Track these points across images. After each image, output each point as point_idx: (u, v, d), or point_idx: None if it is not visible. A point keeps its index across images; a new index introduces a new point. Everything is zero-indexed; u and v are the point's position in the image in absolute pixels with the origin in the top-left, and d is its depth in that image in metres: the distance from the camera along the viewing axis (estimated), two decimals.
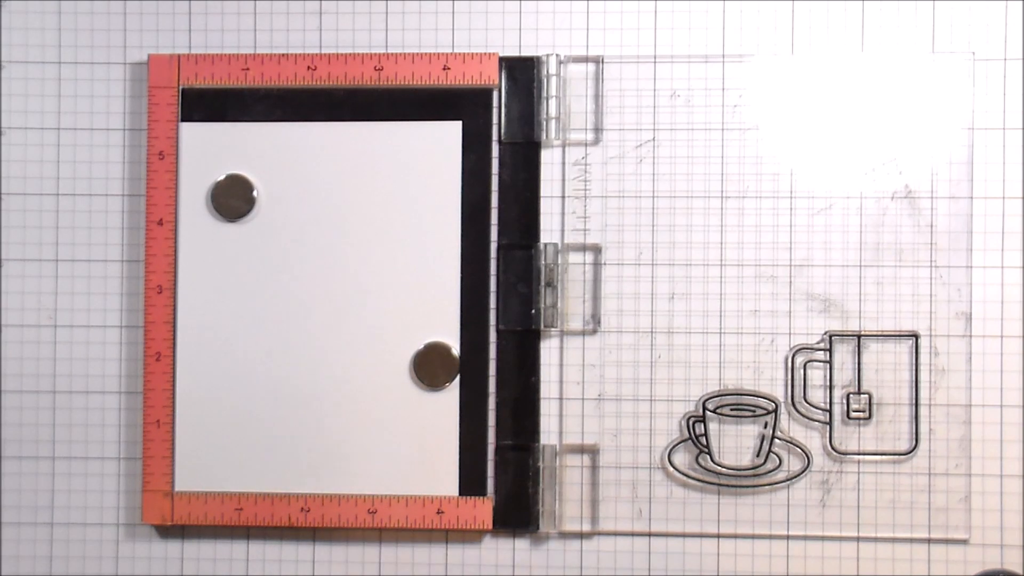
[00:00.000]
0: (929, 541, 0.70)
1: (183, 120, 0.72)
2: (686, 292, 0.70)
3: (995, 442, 0.69)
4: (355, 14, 0.72)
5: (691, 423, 0.70)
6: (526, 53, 0.71)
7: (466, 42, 0.72)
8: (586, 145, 0.71)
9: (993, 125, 0.70)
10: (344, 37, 0.72)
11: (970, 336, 0.69)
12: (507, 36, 0.72)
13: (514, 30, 0.72)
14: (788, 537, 0.70)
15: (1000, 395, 0.70)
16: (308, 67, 0.71)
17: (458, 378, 0.71)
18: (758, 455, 0.70)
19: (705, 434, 0.70)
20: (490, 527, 0.71)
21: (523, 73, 0.71)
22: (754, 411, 0.70)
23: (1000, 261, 0.70)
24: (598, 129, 0.71)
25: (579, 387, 0.71)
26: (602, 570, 0.71)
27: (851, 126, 0.70)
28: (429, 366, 0.71)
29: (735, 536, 0.70)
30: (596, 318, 0.71)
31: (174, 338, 0.72)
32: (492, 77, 0.70)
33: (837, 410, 0.70)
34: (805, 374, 0.70)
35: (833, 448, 0.70)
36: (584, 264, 0.71)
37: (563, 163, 0.71)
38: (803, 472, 0.70)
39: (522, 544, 0.72)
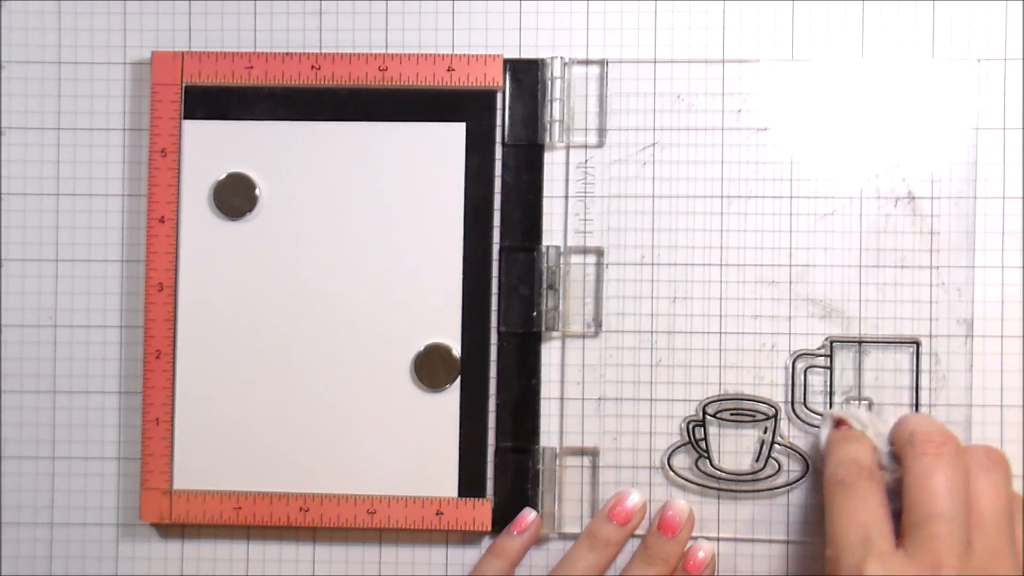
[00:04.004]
0: None
1: (186, 117, 0.72)
2: (687, 295, 0.70)
3: (995, 442, 0.69)
4: (355, 14, 0.72)
5: (691, 427, 0.70)
6: (526, 53, 0.71)
7: (466, 42, 0.72)
8: (586, 147, 0.71)
9: (993, 125, 0.70)
10: (344, 37, 0.72)
11: (971, 336, 0.69)
12: (507, 36, 0.72)
13: (514, 30, 0.72)
14: (788, 542, 0.70)
15: (1000, 395, 0.70)
16: (312, 66, 0.71)
17: (458, 379, 0.71)
18: (757, 460, 0.70)
19: (705, 438, 0.70)
20: (489, 529, 0.71)
21: (527, 75, 0.70)
22: (754, 416, 0.70)
23: (1000, 261, 0.70)
24: (602, 131, 0.71)
25: (579, 389, 0.71)
26: None
27: (855, 130, 0.70)
28: (430, 367, 0.71)
29: (735, 539, 0.70)
30: (598, 321, 0.71)
31: (174, 336, 0.72)
32: (496, 79, 0.70)
33: None
34: (806, 379, 0.70)
35: None
36: (586, 266, 0.71)
37: (566, 165, 0.71)
38: (803, 477, 0.70)
39: None
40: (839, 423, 0.67)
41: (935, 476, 0.61)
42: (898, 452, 0.64)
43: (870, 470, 0.63)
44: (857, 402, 0.70)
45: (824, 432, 0.68)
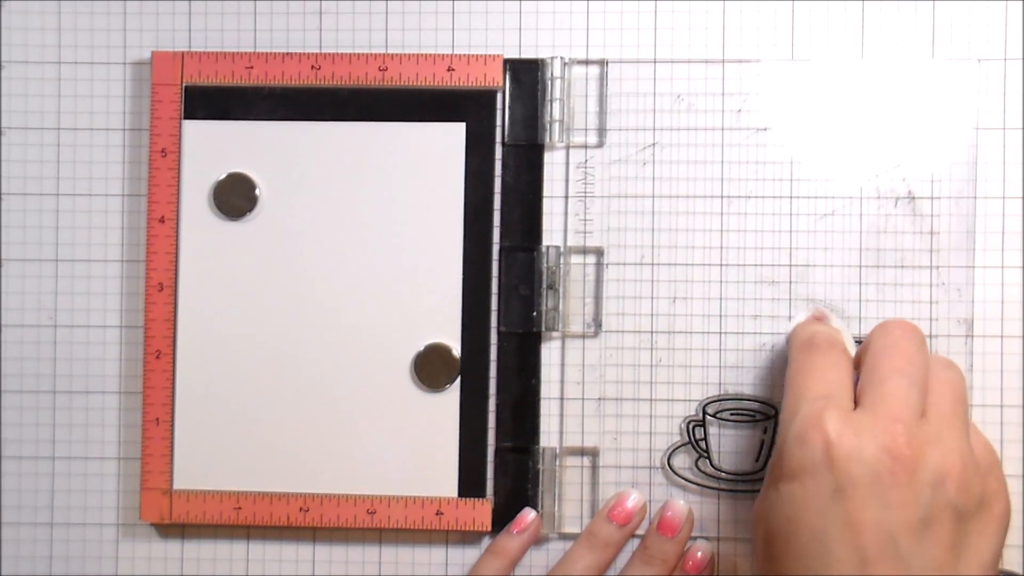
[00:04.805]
0: None
1: (186, 118, 0.72)
2: (687, 295, 0.70)
3: (995, 442, 0.69)
4: (355, 14, 0.72)
5: (691, 427, 0.70)
6: (526, 54, 0.71)
7: (466, 42, 0.72)
8: (586, 147, 0.71)
9: (993, 125, 0.70)
10: (344, 37, 0.72)
11: (971, 336, 0.69)
12: (507, 36, 0.72)
13: (514, 30, 0.72)
14: None
15: (1000, 395, 0.70)
16: (312, 66, 0.71)
17: (459, 379, 0.71)
18: (757, 460, 0.70)
19: (705, 438, 0.70)
20: (489, 529, 0.71)
21: (527, 75, 0.70)
22: (754, 416, 0.70)
23: (1000, 261, 0.70)
24: (602, 131, 0.71)
25: (579, 389, 0.71)
26: None
27: (855, 130, 0.70)
28: (430, 367, 0.71)
29: (735, 539, 0.70)
30: (598, 321, 0.71)
31: (174, 336, 0.72)
32: (496, 79, 0.70)
33: None
34: None
35: None
36: (586, 266, 0.71)
37: (566, 165, 0.71)
38: None
39: None
40: (816, 319, 0.68)
41: (898, 346, 0.61)
42: (863, 349, 0.64)
43: (844, 347, 0.64)
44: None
45: (799, 318, 0.69)
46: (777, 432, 0.62)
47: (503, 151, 0.71)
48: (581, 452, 0.71)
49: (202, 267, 0.72)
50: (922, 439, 0.58)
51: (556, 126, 0.70)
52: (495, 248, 0.71)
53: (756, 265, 0.70)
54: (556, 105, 0.70)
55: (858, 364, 0.64)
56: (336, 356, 0.71)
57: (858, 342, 0.69)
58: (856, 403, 0.60)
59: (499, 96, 0.71)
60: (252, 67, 0.71)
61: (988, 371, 0.70)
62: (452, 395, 0.71)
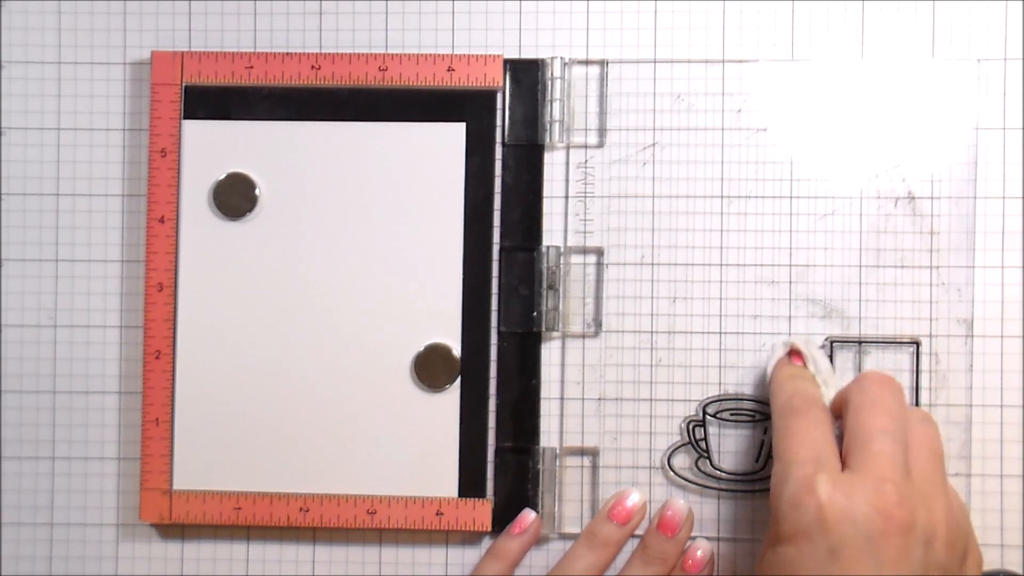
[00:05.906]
0: None
1: (185, 117, 0.72)
2: (687, 295, 0.70)
3: (995, 442, 0.69)
4: (355, 14, 0.72)
5: (691, 427, 0.70)
6: (526, 54, 0.71)
7: (466, 42, 0.72)
8: (586, 147, 0.71)
9: (993, 125, 0.70)
10: (344, 37, 0.72)
11: (971, 336, 0.69)
12: (507, 36, 0.72)
13: (514, 30, 0.72)
14: None
15: (1000, 395, 0.70)
16: (312, 66, 0.71)
17: (459, 380, 0.71)
18: (757, 460, 0.70)
19: (705, 438, 0.70)
20: (489, 529, 0.71)
21: (527, 75, 0.70)
22: (754, 416, 0.70)
23: (1000, 261, 0.70)
24: (602, 131, 0.71)
25: (580, 389, 0.71)
26: None
27: (855, 130, 0.70)
28: (430, 367, 0.71)
29: (734, 539, 0.70)
30: (598, 321, 0.71)
31: (174, 336, 0.71)
32: (496, 79, 0.70)
33: None
34: None
35: None
36: (586, 266, 0.71)
37: (566, 165, 0.71)
38: None
39: None
40: (793, 354, 0.68)
41: (880, 403, 0.62)
42: (842, 399, 0.64)
43: (822, 404, 0.64)
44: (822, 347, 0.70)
45: (777, 354, 0.69)
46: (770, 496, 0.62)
47: (503, 151, 0.71)
48: (581, 452, 0.71)
49: (202, 267, 0.72)
50: (911, 499, 0.59)
51: (556, 126, 0.70)
52: (495, 248, 0.71)
53: (756, 265, 0.70)
54: (556, 105, 0.70)
55: (836, 412, 0.65)
56: (336, 356, 0.71)
57: (857, 343, 0.69)
58: (843, 462, 0.61)
59: (499, 96, 0.71)
60: (252, 67, 0.71)
61: (988, 371, 0.70)
62: (452, 395, 0.71)
